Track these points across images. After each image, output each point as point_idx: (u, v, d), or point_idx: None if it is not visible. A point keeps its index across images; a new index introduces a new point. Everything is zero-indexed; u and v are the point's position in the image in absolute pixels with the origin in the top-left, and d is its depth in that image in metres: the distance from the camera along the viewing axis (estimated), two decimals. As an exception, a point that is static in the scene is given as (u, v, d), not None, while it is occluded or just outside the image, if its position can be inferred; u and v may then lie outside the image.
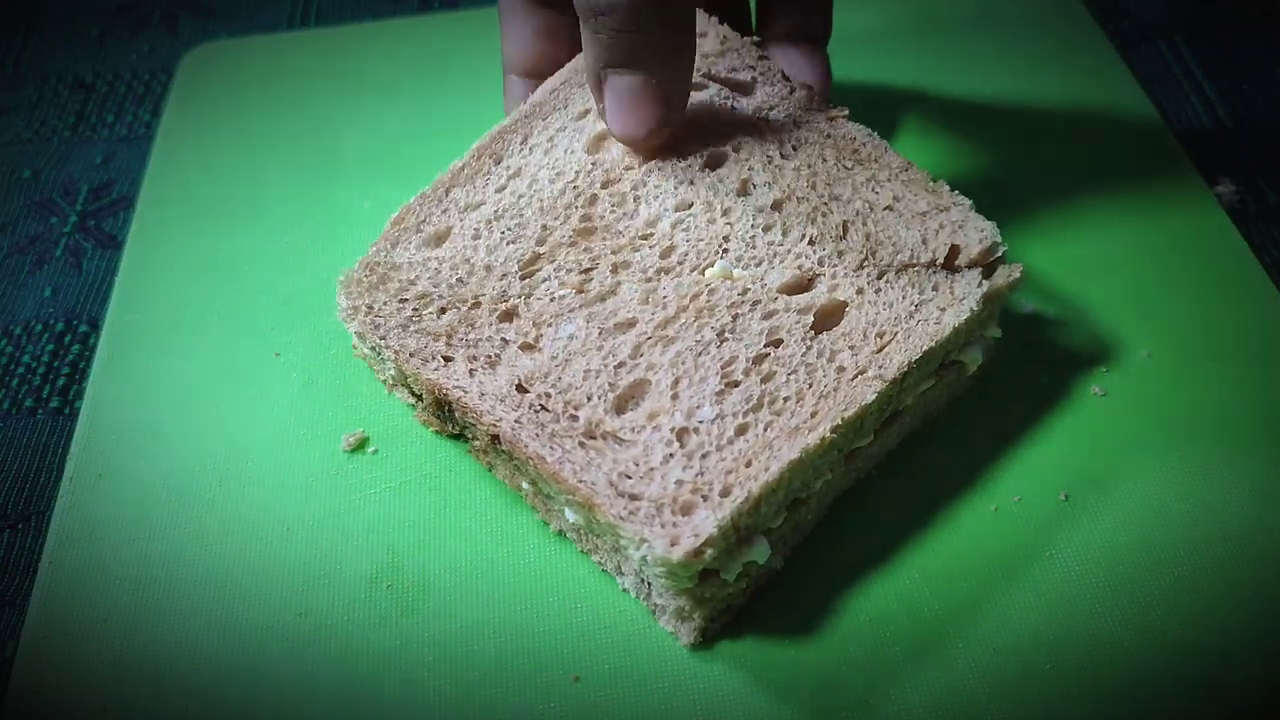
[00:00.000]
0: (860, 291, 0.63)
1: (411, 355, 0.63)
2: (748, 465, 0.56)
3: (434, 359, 0.63)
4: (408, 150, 0.89)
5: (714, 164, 0.68)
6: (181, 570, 0.63)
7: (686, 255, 0.65)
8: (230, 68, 0.99)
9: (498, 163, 0.71)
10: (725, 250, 0.64)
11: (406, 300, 0.66)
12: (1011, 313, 0.72)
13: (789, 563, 0.62)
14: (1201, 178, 0.82)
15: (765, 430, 0.57)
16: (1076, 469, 0.65)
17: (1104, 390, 0.69)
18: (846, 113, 0.71)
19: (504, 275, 0.66)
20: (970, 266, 0.64)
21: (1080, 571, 0.61)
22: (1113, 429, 0.67)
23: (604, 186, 0.68)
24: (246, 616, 0.61)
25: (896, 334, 0.61)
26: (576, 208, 0.68)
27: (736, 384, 0.60)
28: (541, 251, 0.66)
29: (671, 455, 0.57)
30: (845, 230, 0.64)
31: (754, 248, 0.64)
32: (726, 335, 0.62)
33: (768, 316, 0.62)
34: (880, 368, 0.60)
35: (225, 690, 0.58)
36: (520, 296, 0.65)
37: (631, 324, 0.63)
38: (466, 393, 0.61)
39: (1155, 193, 0.81)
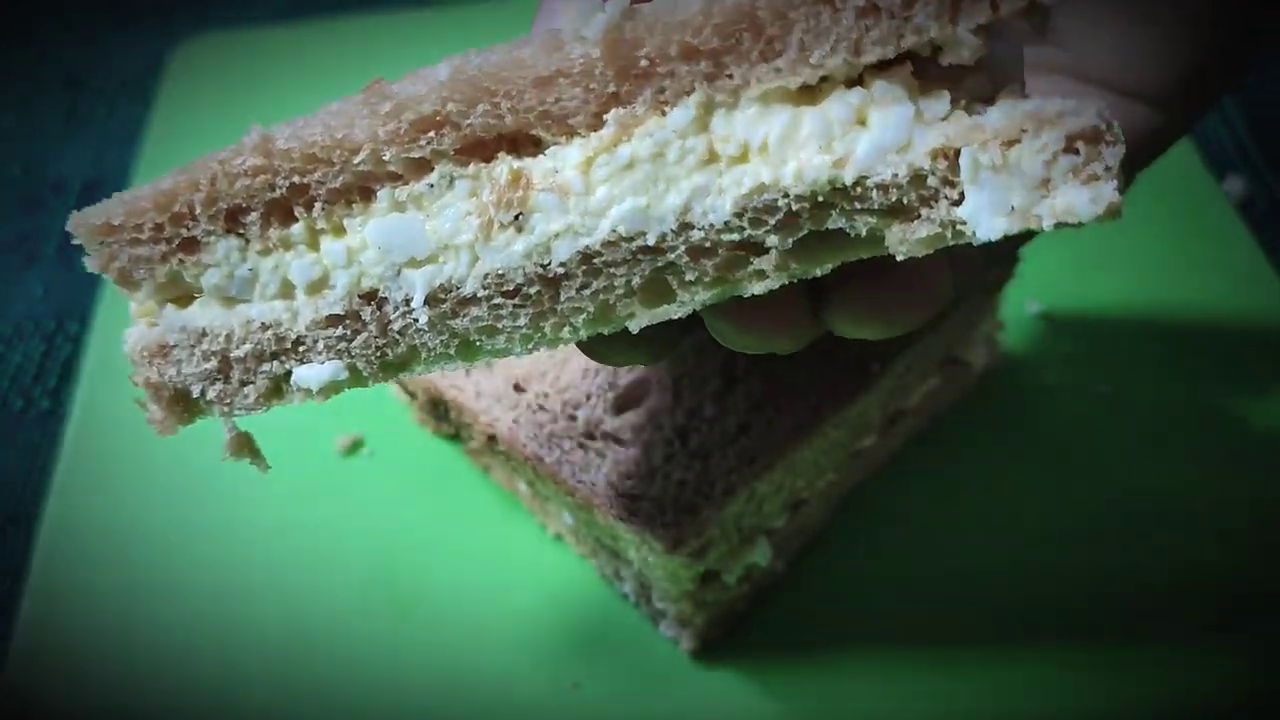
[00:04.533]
0: None
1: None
2: (750, 463, 0.55)
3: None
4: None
5: None
6: (172, 574, 0.62)
7: None
8: (223, 61, 0.98)
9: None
10: None
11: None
12: (1016, 313, 0.71)
13: (790, 569, 0.61)
14: (1211, 174, 0.80)
15: (768, 427, 0.56)
16: (1083, 467, 0.64)
17: (1111, 389, 0.68)
18: None
19: None
20: None
21: (1089, 574, 0.59)
22: (1119, 427, 0.66)
23: None
24: (239, 621, 0.60)
25: None
26: None
27: (738, 380, 0.58)
28: None
29: (673, 454, 0.56)
30: None
31: None
32: None
33: None
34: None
35: (217, 695, 0.57)
36: None
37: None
38: (462, 391, 0.60)
39: (1164, 189, 0.79)
